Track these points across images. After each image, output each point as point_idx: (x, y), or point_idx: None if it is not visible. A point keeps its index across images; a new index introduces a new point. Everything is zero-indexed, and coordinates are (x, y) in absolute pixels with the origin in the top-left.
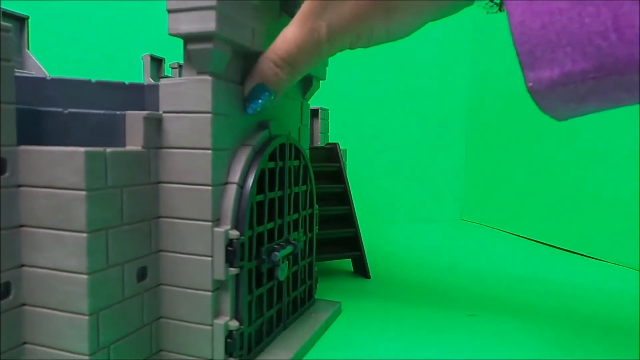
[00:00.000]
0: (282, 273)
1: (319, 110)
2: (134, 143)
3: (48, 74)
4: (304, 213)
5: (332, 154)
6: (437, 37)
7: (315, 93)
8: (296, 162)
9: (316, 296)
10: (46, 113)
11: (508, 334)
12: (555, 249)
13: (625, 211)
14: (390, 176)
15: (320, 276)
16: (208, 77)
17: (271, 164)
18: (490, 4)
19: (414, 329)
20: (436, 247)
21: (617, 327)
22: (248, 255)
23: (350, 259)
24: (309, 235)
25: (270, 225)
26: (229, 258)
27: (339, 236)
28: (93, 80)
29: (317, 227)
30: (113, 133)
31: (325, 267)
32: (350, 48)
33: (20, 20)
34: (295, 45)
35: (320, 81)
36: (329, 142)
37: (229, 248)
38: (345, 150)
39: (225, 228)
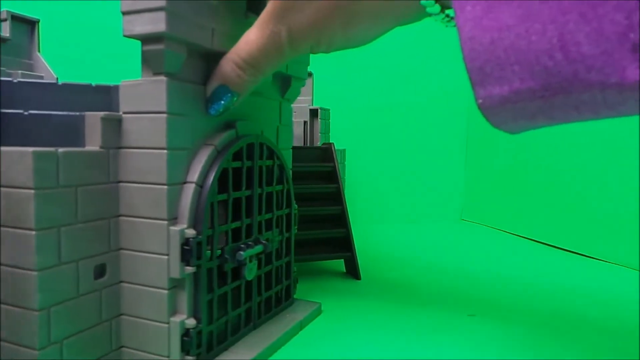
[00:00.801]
0: (249, 272)
1: (319, 110)
2: (93, 143)
3: (56, 76)
4: (279, 213)
5: (327, 154)
6: (437, 37)
7: (317, 93)
8: (269, 162)
9: (298, 296)
10: (7, 115)
11: (507, 334)
12: (555, 249)
13: (625, 211)
14: (390, 176)
15: (309, 276)
16: (163, 78)
17: (237, 164)
18: (447, 18)
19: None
20: (436, 247)
21: (617, 327)
22: (207, 254)
23: (342, 260)
24: (286, 235)
25: (235, 225)
26: (184, 257)
27: (331, 236)
28: (59, 82)
29: (295, 227)
30: (74, 134)
31: (317, 267)
32: (312, 52)
33: (31, 24)
34: (256, 47)
35: (325, 82)
36: (327, 142)
37: (185, 247)
38: (344, 150)
39: (182, 227)
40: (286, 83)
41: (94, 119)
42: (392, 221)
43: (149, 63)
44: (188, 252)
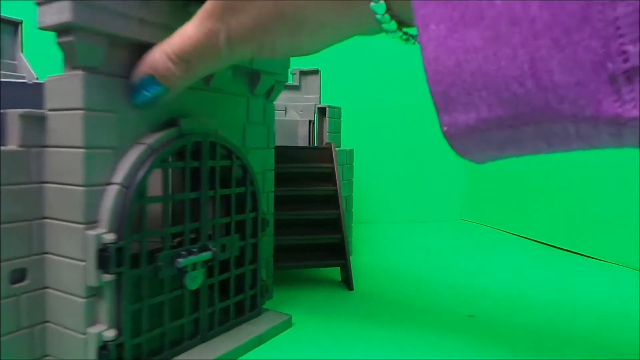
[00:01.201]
0: (192, 281)
1: (327, 109)
2: (13, 142)
3: (36, 76)
4: (241, 217)
5: (326, 154)
6: None
7: (326, 92)
8: (225, 163)
9: (279, 306)
10: None
11: (507, 334)
12: (555, 249)
13: (625, 211)
14: (390, 176)
15: (298, 284)
16: (79, 72)
17: (178, 164)
18: (406, 36)
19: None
20: (436, 247)
21: (616, 327)
22: (131, 260)
23: (339, 267)
24: (252, 241)
25: (174, 229)
26: (102, 263)
27: (324, 242)
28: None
29: (264, 233)
30: None
31: (311, 274)
32: (255, 57)
33: (14, 25)
34: (191, 43)
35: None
36: (340, 142)
37: (104, 253)
38: (351, 150)
39: (100, 231)
40: (255, 78)
41: (13, 117)
42: (392, 221)
43: (66, 56)
44: (106, 258)
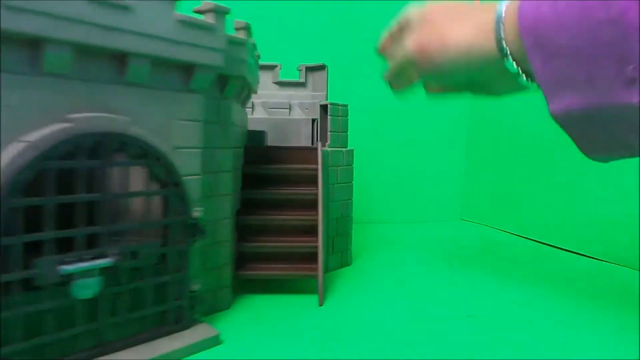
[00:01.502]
0: (80, 290)
1: (328, 106)
2: None
3: None
4: (163, 222)
5: (311, 155)
6: None
7: (334, 89)
8: (137, 163)
9: (221, 321)
10: None
11: (506, 334)
12: (555, 249)
13: (625, 211)
14: (390, 176)
15: (267, 294)
16: None
17: (69, 163)
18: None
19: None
20: (436, 247)
21: (617, 327)
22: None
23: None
24: (178, 247)
25: (57, 234)
26: None
27: (298, 250)
28: None
29: (195, 239)
30: None
31: (288, 284)
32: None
33: None
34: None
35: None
36: (347, 142)
37: None
38: (351, 151)
39: None
40: (189, 71)
41: None
42: (392, 221)
43: None
44: None
